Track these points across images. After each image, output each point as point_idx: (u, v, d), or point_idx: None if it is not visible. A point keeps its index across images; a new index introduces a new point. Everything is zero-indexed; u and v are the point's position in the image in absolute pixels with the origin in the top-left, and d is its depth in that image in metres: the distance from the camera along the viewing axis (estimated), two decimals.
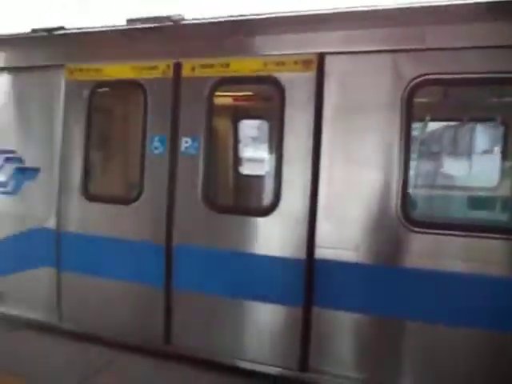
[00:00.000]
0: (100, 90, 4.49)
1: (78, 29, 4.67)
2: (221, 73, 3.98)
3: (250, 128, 6.66)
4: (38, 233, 4.68)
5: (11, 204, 4.84)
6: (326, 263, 3.61)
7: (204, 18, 4.26)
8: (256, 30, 3.98)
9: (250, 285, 3.91)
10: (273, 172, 3.86)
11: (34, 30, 4.88)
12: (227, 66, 3.95)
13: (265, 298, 3.85)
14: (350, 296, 3.59)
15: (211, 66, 4.01)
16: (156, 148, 4.18)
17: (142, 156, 4.23)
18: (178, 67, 4.11)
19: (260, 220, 3.88)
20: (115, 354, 4.23)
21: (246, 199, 6.02)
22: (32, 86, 4.76)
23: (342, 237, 3.59)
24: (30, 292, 4.79)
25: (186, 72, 4.09)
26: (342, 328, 3.62)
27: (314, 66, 3.66)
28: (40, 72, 4.68)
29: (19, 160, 4.77)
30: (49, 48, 4.76)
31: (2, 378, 3.78)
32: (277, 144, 3.81)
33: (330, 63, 3.63)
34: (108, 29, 4.59)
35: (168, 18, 4.37)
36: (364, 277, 3.56)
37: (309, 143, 3.66)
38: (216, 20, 4.17)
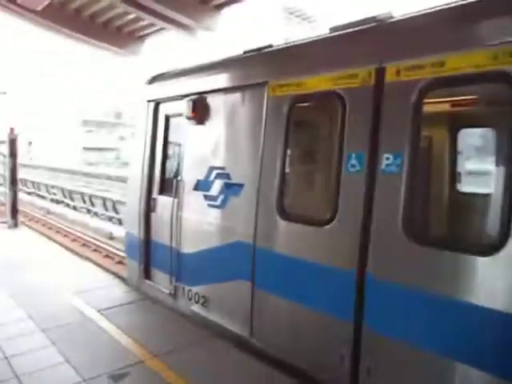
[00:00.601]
0: (298, 104, 4.29)
1: (281, 45, 4.64)
2: (433, 74, 3.24)
3: (467, 139, 5.44)
4: (238, 247, 4.79)
5: (219, 217, 5.12)
6: None
7: (413, 12, 3.60)
8: (479, 13, 3.11)
9: (462, 342, 3.01)
10: (499, 198, 2.90)
11: (245, 52, 5.11)
12: (441, 64, 3.19)
13: (478, 363, 2.91)
14: None
15: (421, 66, 3.31)
16: (353, 166, 3.72)
17: (338, 175, 3.83)
18: (380, 73, 3.56)
19: (479, 260, 2.95)
20: None
21: (459, 231, 4.87)
22: (240, 105, 4.93)
23: None
24: (228, 302, 4.97)
25: (389, 77, 3.50)
26: None
27: None
28: (248, 91, 4.81)
29: (227, 176, 5.01)
30: (256, 67, 4.88)
31: None
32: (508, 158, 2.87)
33: None
34: (307, 40, 4.40)
35: (373, 19, 3.89)
36: None
37: None
38: (426, 11, 3.46)
